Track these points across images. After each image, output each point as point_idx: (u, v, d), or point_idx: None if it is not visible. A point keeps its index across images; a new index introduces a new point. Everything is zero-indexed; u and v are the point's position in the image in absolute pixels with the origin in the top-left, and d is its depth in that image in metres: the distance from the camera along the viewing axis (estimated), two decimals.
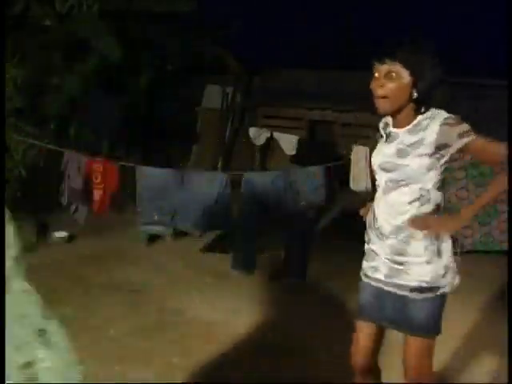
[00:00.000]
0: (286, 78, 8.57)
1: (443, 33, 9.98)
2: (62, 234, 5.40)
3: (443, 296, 2.15)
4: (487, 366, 3.39)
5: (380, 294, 2.22)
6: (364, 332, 2.31)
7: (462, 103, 7.36)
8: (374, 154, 2.26)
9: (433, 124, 2.05)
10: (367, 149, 5.14)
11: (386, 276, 2.19)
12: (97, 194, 4.34)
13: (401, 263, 2.14)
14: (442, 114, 2.06)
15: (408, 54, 2.02)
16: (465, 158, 5.22)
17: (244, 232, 4.21)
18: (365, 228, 2.30)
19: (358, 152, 5.32)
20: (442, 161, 2.09)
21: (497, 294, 4.50)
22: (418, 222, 2.08)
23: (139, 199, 4.22)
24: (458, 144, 2.03)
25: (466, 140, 2.01)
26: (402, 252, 2.13)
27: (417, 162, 2.07)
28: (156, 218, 4.23)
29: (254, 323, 3.89)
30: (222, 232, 4.77)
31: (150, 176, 4.24)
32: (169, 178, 4.27)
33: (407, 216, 2.11)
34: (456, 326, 3.89)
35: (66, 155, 4.40)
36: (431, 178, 2.10)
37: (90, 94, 6.31)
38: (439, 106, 2.10)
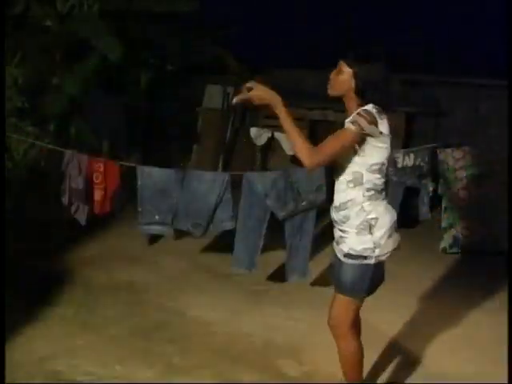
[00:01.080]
0: (287, 77, 8.57)
1: (443, 33, 10.00)
2: (63, 234, 5.39)
3: (367, 265, 2.55)
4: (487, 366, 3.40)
5: (335, 256, 2.69)
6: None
7: (462, 103, 7.39)
8: None
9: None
10: None
11: (336, 242, 2.69)
12: (98, 194, 4.33)
13: (342, 232, 2.62)
14: (365, 106, 2.49)
15: (354, 57, 2.55)
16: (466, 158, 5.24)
17: (244, 232, 4.21)
18: None
19: None
20: (364, 147, 2.48)
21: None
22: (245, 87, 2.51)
23: (140, 199, 4.21)
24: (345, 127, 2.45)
25: (345, 126, 2.44)
26: (343, 224, 2.60)
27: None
28: (157, 218, 4.22)
29: (254, 323, 3.90)
30: (222, 232, 4.76)
31: (150, 176, 4.23)
32: (169, 178, 4.27)
33: (345, 194, 2.58)
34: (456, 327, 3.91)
35: (66, 155, 4.39)
36: (361, 163, 2.51)
37: (90, 94, 6.32)
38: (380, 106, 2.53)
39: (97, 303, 4.09)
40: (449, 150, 5.21)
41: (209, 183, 4.26)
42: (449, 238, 5.38)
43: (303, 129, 8.00)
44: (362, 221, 2.54)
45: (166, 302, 4.17)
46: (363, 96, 2.54)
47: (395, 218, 2.65)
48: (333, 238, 2.72)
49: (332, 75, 2.62)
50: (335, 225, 2.69)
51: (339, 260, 2.63)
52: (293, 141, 2.48)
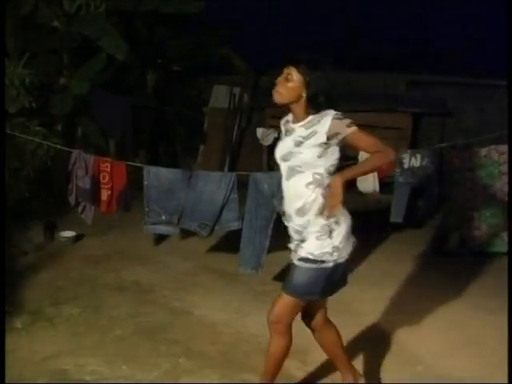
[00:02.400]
0: None
1: (451, 33, 9.98)
2: (69, 233, 5.42)
3: (324, 269, 2.54)
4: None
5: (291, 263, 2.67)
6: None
7: (469, 104, 7.36)
8: (276, 149, 2.68)
9: (325, 119, 2.50)
10: None
11: (294, 250, 2.64)
12: (104, 194, 4.35)
13: (301, 239, 2.59)
14: (333, 112, 2.52)
15: (304, 65, 2.53)
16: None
17: (251, 232, 4.21)
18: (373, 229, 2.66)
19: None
20: (331, 149, 2.51)
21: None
22: (322, 209, 2.51)
23: (146, 199, 4.21)
24: (346, 132, 2.48)
25: (351, 129, 2.48)
26: (302, 230, 2.58)
27: (310, 151, 2.51)
28: (163, 218, 4.23)
29: (260, 324, 3.89)
30: (228, 232, 4.76)
31: (157, 176, 4.24)
32: (176, 178, 4.27)
33: (304, 198, 2.54)
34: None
35: (73, 155, 4.41)
36: (323, 164, 2.52)
37: (97, 94, 6.34)
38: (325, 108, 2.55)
39: (103, 303, 4.11)
40: (491, 147, 5.15)
41: (215, 183, 4.27)
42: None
43: None
44: (322, 225, 2.52)
45: (172, 302, 4.18)
46: (315, 102, 2.54)
47: (351, 221, 2.64)
48: None
49: (280, 81, 2.58)
50: (292, 233, 2.66)
51: (293, 265, 2.61)
52: (371, 169, 2.78)
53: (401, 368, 3.36)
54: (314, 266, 2.53)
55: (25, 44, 5.84)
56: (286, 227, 2.72)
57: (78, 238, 5.45)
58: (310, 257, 2.53)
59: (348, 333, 3.46)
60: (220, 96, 7.88)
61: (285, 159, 2.61)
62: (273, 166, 4.89)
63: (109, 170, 4.33)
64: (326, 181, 2.53)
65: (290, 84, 2.54)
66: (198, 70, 7.89)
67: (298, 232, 2.61)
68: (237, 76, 8.01)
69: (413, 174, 4.79)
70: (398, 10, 10.49)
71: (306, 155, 2.52)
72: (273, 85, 2.58)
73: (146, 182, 4.22)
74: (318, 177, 2.53)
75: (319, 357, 3.32)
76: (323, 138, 2.49)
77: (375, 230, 5.45)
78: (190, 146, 7.95)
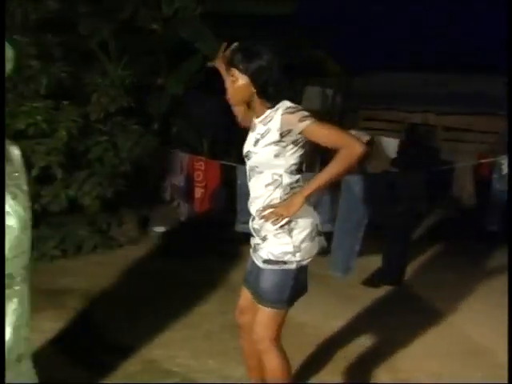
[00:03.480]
0: (386, 80, 8.41)
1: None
2: (162, 228, 5.58)
3: (288, 271, 2.37)
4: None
5: (253, 265, 2.53)
6: (243, 293, 2.65)
7: None
8: (244, 145, 2.51)
9: (276, 114, 2.30)
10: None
11: (253, 249, 2.52)
12: (198, 192, 4.43)
13: (261, 239, 2.43)
14: (285, 104, 2.31)
15: (242, 60, 2.31)
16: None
17: (342, 235, 4.16)
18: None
19: None
20: (290, 147, 2.31)
21: None
22: (268, 215, 2.33)
23: (239, 198, 4.26)
24: (299, 128, 2.24)
25: (304, 124, 2.23)
26: (261, 230, 2.42)
27: (265, 150, 2.33)
28: None
29: (347, 327, 3.84)
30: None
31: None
32: None
33: (263, 199, 2.39)
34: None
35: (169, 154, 4.52)
36: (282, 164, 2.34)
37: (192, 94, 6.48)
38: (289, 99, 2.35)
39: (192, 298, 4.18)
40: None
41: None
42: None
43: (399, 132, 7.82)
44: (280, 224, 2.34)
45: None
46: (266, 95, 2.34)
47: (317, 220, 2.46)
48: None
49: (228, 84, 2.44)
50: (254, 234, 2.51)
51: (258, 267, 2.45)
52: (334, 176, 2.31)
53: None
54: (277, 267, 2.37)
55: (124, 46, 6.07)
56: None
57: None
58: (272, 257, 2.37)
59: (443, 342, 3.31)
60: (313, 97, 7.85)
61: (246, 157, 2.47)
62: (365, 169, 4.84)
63: (203, 168, 4.41)
64: (288, 180, 2.36)
65: (236, 85, 2.36)
66: (290, 72, 7.89)
67: (257, 231, 2.46)
68: (330, 77, 7.95)
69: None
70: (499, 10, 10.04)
71: (261, 155, 2.35)
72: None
73: (239, 181, 4.26)
74: (277, 177, 2.36)
75: (409, 365, 3.23)
76: (276, 136, 2.29)
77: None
78: None
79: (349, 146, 2.25)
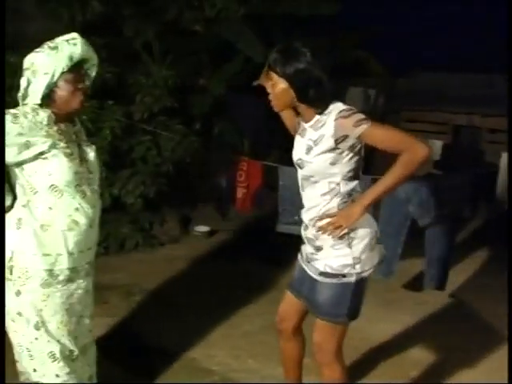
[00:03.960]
0: (430, 80, 8.29)
1: None
2: (204, 228, 5.61)
3: (347, 284, 2.24)
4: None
5: (303, 273, 2.40)
6: (287, 299, 2.56)
7: None
8: (293, 150, 2.37)
9: (329, 119, 2.14)
10: None
11: (305, 259, 2.40)
12: (240, 192, 4.46)
13: (316, 249, 2.30)
14: (338, 107, 2.15)
15: (279, 63, 2.15)
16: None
17: (383, 238, 4.09)
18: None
19: (506, 159, 5.01)
20: (346, 153, 2.16)
21: None
22: (325, 226, 2.20)
23: (281, 199, 4.25)
24: (355, 133, 2.08)
25: (361, 128, 2.07)
26: (316, 239, 2.29)
27: (319, 159, 2.18)
28: (296, 218, 4.23)
29: (388, 332, 3.79)
30: None
31: (291, 176, 4.26)
32: None
33: (319, 208, 2.25)
34: None
35: (210, 154, 4.55)
36: (338, 172, 2.19)
37: (234, 95, 6.51)
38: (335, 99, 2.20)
39: (232, 298, 4.20)
40: None
41: None
42: None
43: (447, 134, 7.69)
44: (338, 235, 2.21)
45: None
46: (307, 99, 2.18)
47: (376, 227, 2.34)
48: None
49: (268, 90, 2.24)
50: (307, 242, 2.38)
51: (312, 278, 2.33)
52: (396, 182, 2.14)
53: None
54: (335, 280, 2.24)
55: (168, 47, 6.14)
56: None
57: (211, 233, 5.64)
58: (329, 270, 2.24)
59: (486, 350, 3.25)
60: (355, 98, 7.79)
61: (299, 166, 2.32)
62: None
63: (245, 168, 4.42)
64: (345, 188, 2.22)
65: (276, 90, 2.20)
66: (333, 72, 7.85)
67: (311, 240, 2.34)
68: (372, 78, 7.88)
69: None
70: None
71: (316, 164, 2.19)
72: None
73: (281, 182, 4.24)
74: (333, 186, 2.22)
75: (454, 373, 3.17)
76: (331, 143, 2.14)
77: None
78: None
79: (412, 149, 2.07)
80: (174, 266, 4.82)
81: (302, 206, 2.43)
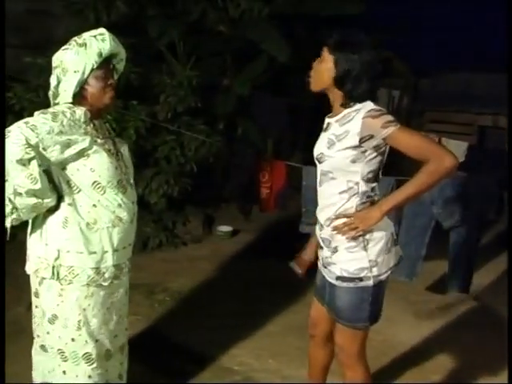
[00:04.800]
0: (455, 81, 8.21)
1: None
2: (227, 228, 5.64)
3: (365, 288, 2.19)
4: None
5: (323, 279, 2.36)
6: (315, 305, 2.53)
7: None
8: (315, 146, 2.32)
9: (357, 116, 2.09)
10: None
11: (323, 263, 2.34)
12: (263, 192, 4.46)
13: (332, 252, 2.25)
14: (368, 106, 2.10)
15: (335, 42, 2.12)
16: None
17: (407, 240, 4.07)
18: None
19: None
20: (369, 153, 2.10)
21: None
22: (340, 226, 2.16)
23: (304, 199, 4.25)
24: (382, 134, 2.04)
25: (389, 130, 2.03)
26: (332, 240, 2.24)
27: (341, 154, 2.12)
28: None
29: (410, 334, 3.77)
30: None
31: (315, 177, 4.26)
32: None
33: (336, 207, 2.19)
34: None
35: (234, 154, 4.55)
36: (359, 171, 2.13)
37: (257, 95, 6.51)
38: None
39: (255, 298, 4.22)
40: None
41: None
42: None
43: (472, 135, 7.61)
44: (353, 236, 2.16)
45: None
46: (342, 87, 2.13)
47: (392, 228, 2.28)
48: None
49: (314, 64, 2.19)
50: (322, 244, 2.32)
51: (329, 283, 2.29)
52: (419, 191, 2.09)
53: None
54: (352, 284, 2.19)
55: (192, 47, 6.17)
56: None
57: (234, 233, 5.66)
58: (346, 274, 2.20)
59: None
60: (378, 98, 7.75)
61: (318, 161, 2.26)
62: None
63: (269, 169, 4.42)
64: (364, 189, 2.16)
65: (322, 65, 2.15)
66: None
67: (326, 241, 2.28)
68: (396, 78, 7.82)
69: None
70: None
71: (336, 160, 2.14)
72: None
73: (304, 183, 4.23)
74: (352, 185, 2.16)
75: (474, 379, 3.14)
76: (355, 141, 2.08)
77: None
78: None
79: (439, 159, 2.01)
80: (196, 265, 4.84)
81: None
